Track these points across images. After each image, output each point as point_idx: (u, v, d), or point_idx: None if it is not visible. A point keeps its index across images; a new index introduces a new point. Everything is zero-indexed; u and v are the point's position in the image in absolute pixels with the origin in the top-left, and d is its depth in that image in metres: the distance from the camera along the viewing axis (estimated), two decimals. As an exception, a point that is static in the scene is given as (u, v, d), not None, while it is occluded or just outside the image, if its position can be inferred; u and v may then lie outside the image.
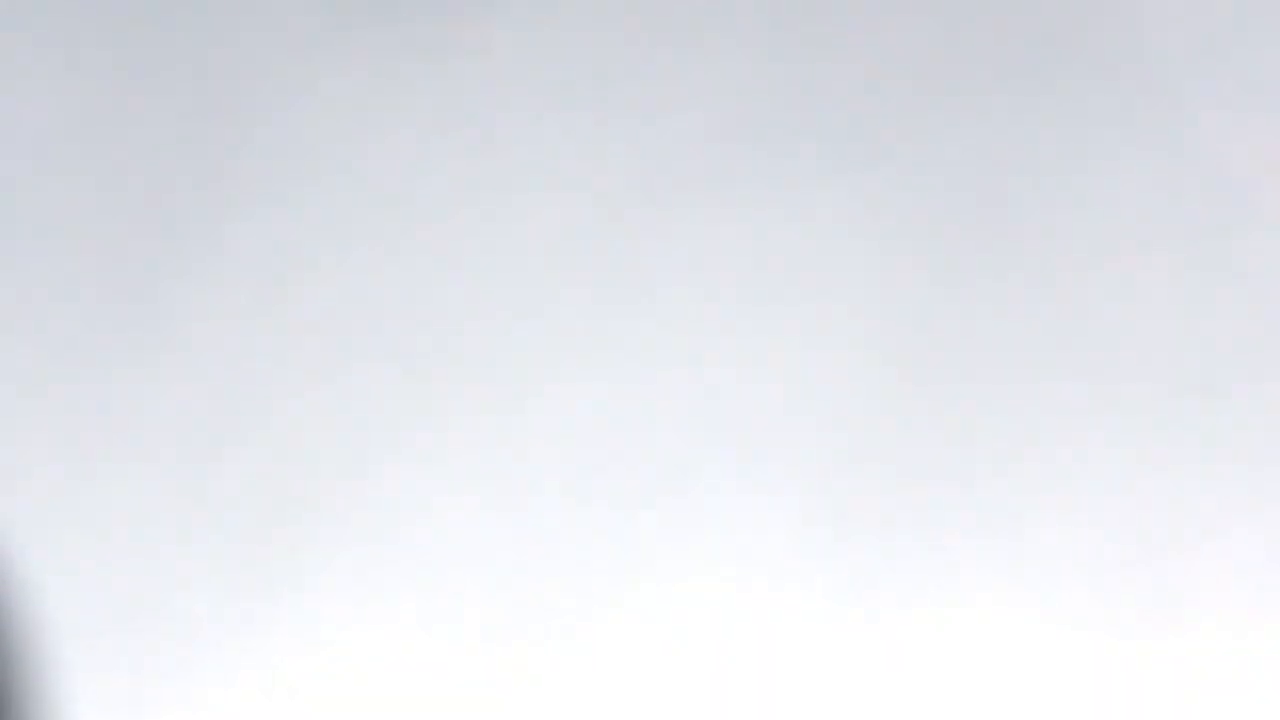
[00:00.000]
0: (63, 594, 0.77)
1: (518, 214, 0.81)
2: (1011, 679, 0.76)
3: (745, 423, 0.79)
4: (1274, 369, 0.78)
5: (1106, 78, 0.81)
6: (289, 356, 0.79)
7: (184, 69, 0.82)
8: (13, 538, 0.77)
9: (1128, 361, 0.79)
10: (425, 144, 0.82)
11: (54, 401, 0.79)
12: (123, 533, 0.77)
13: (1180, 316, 0.79)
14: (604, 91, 0.82)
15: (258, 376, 0.79)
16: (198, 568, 0.77)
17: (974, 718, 0.75)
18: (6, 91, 0.82)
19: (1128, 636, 0.76)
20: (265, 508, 0.77)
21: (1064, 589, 0.77)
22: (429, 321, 0.80)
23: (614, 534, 0.77)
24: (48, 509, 0.78)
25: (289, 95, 0.82)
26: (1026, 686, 0.76)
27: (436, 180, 0.82)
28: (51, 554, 0.77)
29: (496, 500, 0.78)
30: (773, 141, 0.82)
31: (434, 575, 0.77)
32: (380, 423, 0.79)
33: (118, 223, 0.81)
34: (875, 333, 0.80)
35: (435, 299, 0.80)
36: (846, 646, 0.76)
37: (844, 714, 0.75)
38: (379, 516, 0.77)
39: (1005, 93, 0.82)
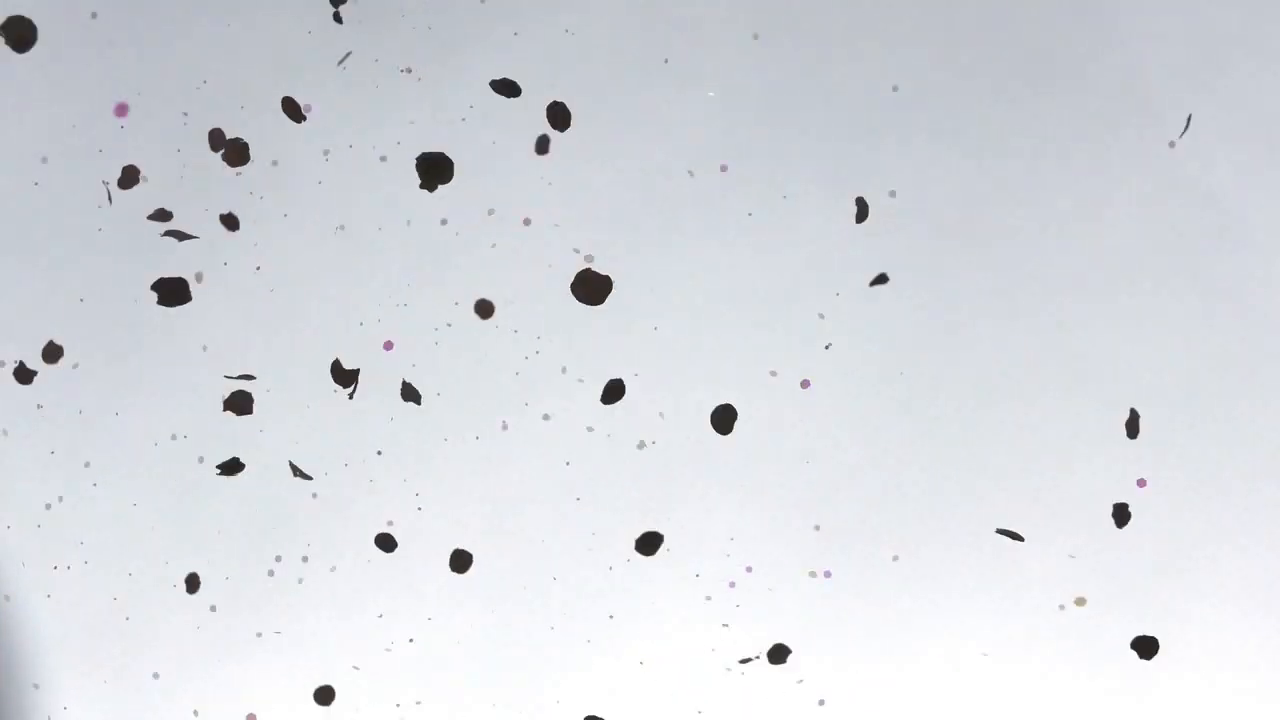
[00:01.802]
0: (51, 609, 0.77)
1: (510, 229, 0.81)
2: (1001, 702, 0.76)
3: (736, 442, 0.79)
4: (1266, 391, 0.78)
5: (1097, 100, 0.81)
6: (280, 372, 0.79)
7: (180, 89, 0.82)
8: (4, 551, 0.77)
9: (1118, 385, 0.78)
10: (416, 161, 0.82)
11: (42, 417, 0.79)
12: (111, 550, 0.77)
13: (1172, 338, 0.79)
14: (593, 111, 0.82)
15: (249, 393, 0.79)
16: (185, 586, 0.77)
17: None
18: (8, 107, 0.82)
19: (1116, 663, 0.76)
20: (255, 527, 0.77)
21: (1053, 614, 0.76)
22: (421, 339, 0.80)
23: (604, 552, 0.77)
24: (35, 525, 0.78)
25: (282, 111, 0.82)
26: (1016, 710, 0.75)
27: (428, 197, 0.81)
28: (40, 569, 0.77)
29: (491, 522, 0.77)
30: (765, 162, 0.81)
31: (425, 594, 0.77)
32: (372, 442, 0.78)
33: (111, 239, 0.81)
34: (866, 354, 0.79)
35: (427, 316, 0.80)
36: (836, 666, 0.76)
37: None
38: (369, 536, 0.77)
39: (997, 113, 0.81)
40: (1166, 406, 0.78)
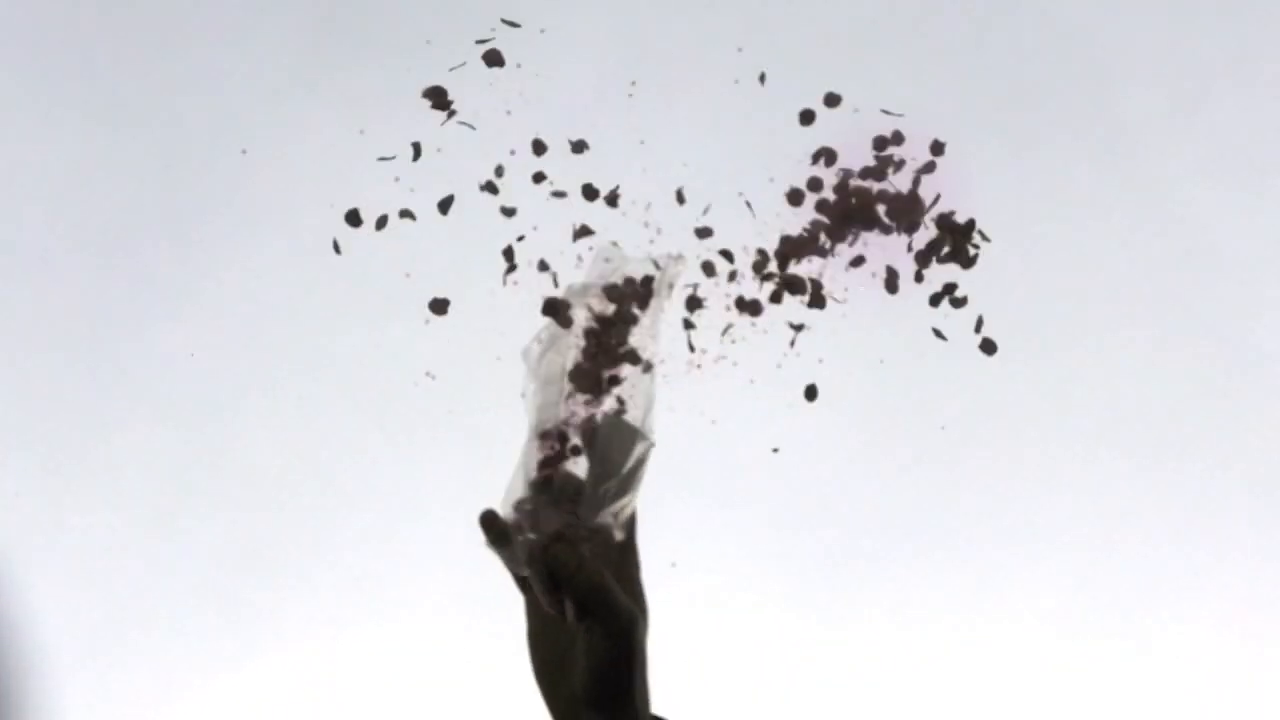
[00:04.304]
0: (36, 625, 0.76)
1: (498, 258, 0.81)
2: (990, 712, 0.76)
3: (726, 467, 0.79)
4: (1246, 426, 0.79)
5: (1083, 141, 0.83)
6: (266, 396, 0.79)
7: (162, 112, 0.83)
8: None
9: (1103, 416, 0.79)
10: (404, 190, 0.83)
11: (27, 438, 0.79)
12: (97, 567, 0.77)
13: (1154, 375, 0.80)
14: (586, 137, 0.83)
15: (234, 416, 0.79)
16: (170, 604, 0.76)
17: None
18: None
19: (1098, 685, 0.76)
20: (239, 543, 0.77)
21: (1036, 639, 0.76)
22: (406, 366, 0.80)
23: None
24: (19, 543, 0.77)
25: (268, 139, 0.83)
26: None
27: (415, 227, 0.82)
28: (27, 584, 0.77)
29: (471, 544, 0.77)
30: (759, 182, 0.82)
31: (409, 613, 0.76)
32: (352, 467, 0.78)
33: (96, 266, 0.81)
34: (852, 384, 0.80)
35: (412, 346, 0.80)
36: (818, 688, 0.76)
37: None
38: (350, 556, 0.77)
39: (985, 152, 0.83)
40: (1152, 427, 0.79)
